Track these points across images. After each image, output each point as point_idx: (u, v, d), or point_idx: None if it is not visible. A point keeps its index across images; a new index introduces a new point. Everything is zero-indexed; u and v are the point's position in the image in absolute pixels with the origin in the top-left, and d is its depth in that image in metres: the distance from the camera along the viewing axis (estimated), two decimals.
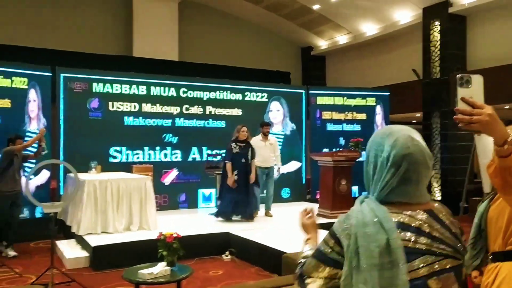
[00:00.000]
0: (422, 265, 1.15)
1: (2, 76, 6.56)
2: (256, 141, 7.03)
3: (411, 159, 1.20)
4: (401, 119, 11.29)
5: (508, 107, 9.71)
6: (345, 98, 9.75)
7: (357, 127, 9.75)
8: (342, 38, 12.96)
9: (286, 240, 5.25)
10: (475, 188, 9.04)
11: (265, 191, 7.39)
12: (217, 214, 6.79)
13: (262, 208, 7.25)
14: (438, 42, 9.89)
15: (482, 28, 9.68)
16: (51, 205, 4.34)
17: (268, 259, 5.02)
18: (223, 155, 7.25)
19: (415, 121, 13.27)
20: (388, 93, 10.00)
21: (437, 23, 9.91)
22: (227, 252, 5.66)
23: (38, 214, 6.79)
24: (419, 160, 1.21)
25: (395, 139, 1.22)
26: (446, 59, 9.77)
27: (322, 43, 13.69)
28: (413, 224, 1.18)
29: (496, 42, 9.38)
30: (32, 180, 6.65)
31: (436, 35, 9.94)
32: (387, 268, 1.13)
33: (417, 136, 1.25)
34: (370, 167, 1.27)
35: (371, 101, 9.90)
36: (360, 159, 8.36)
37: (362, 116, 9.84)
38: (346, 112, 9.72)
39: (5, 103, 6.56)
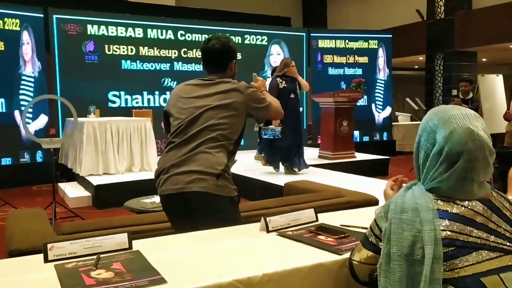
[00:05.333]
0: (475, 261, 1.02)
1: None
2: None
3: (469, 157, 1.06)
4: (403, 63, 11.07)
5: None
6: (346, 41, 9.50)
7: (359, 71, 9.57)
8: None
9: (287, 177, 5.25)
10: None
11: None
12: (267, 161, 5.80)
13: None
14: None
15: None
16: (49, 141, 4.31)
17: (270, 194, 5.03)
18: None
19: (417, 66, 13.05)
20: (391, 36, 9.75)
21: None
22: None
23: (39, 159, 6.79)
24: (478, 157, 1.06)
25: (451, 130, 1.07)
26: None
27: None
28: (466, 215, 1.05)
29: None
30: (30, 126, 6.59)
31: None
32: (417, 261, 1.03)
33: (479, 126, 1.08)
34: (421, 154, 1.14)
35: (373, 44, 9.66)
36: (361, 102, 8.28)
37: (364, 59, 9.63)
38: (348, 56, 9.51)
39: None
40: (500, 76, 9.16)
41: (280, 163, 5.79)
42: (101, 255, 1.36)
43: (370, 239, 1.22)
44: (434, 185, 1.11)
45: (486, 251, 1.03)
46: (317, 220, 1.79)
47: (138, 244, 1.50)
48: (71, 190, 5.54)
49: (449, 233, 1.03)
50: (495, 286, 1.01)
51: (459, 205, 1.07)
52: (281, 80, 5.61)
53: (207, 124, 1.97)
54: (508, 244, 1.05)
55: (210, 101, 2.00)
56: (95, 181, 5.32)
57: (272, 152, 5.70)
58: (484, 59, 11.61)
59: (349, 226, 1.71)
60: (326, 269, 1.36)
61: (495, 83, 8.75)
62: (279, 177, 5.38)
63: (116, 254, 1.40)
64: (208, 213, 1.88)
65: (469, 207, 1.07)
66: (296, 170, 5.73)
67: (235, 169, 6.84)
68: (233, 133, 2.03)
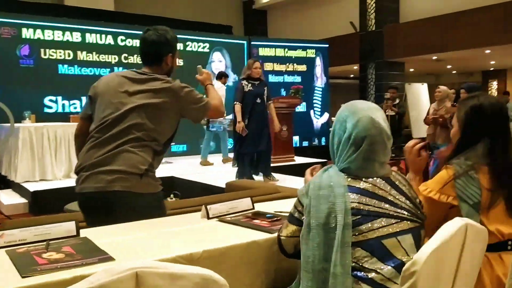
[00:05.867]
0: (376, 227, 1.23)
1: None
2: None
3: (371, 141, 1.29)
4: (339, 72, 11.65)
5: (436, 57, 10.30)
6: (286, 49, 9.87)
7: (298, 79, 9.96)
8: None
9: (228, 178, 5.39)
10: (406, 135, 9.66)
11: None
12: (238, 175, 5.42)
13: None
14: None
15: None
16: None
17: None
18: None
19: (352, 75, 13.75)
20: (327, 45, 10.25)
21: None
22: (171, 195, 5.73)
23: None
24: (378, 141, 1.30)
25: (358, 119, 1.30)
26: (380, 12, 10.12)
27: None
28: (370, 190, 1.27)
29: None
30: None
31: None
32: (332, 229, 1.24)
33: (379, 116, 1.32)
34: (335, 140, 1.37)
35: (311, 53, 10.10)
36: (300, 108, 8.64)
37: (303, 67, 10.04)
38: (287, 64, 9.88)
39: None
40: (425, 85, 9.93)
41: (255, 175, 5.45)
42: (50, 241, 1.44)
43: (294, 215, 1.41)
44: (345, 165, 1.33)
45: (385, 219, 1.26)
46: (253, 208, 1.97)
47: (85, 232, 1.59)
48: (6, 198, 5.35)
49: (356, 204, 1.25)
50: (393, 246, 1.24)
51: (365, 182, 1.30)
52: (246, 83, 5.32)
53: (132, 123, 1.88)
54: (404, 212, 1.29)
55: (138, 98, 1.91)
56: (32, 187, 5.18)
57: (240, 163, 5.38)
58: (411, 69, 12.49)
59: (282, 212, 1.90)
60: (260, 246, 1.54)
61: (421, 91, 9.48)
62: (220, 179, 5.51)
63: (65, 240, 1.49)
64: (132, 212, 1.82)
65: (373, 183, 1.30)
66: (275, 177, 5.58)
67: (175, 172, 6.91)
68: (160, 134, 1.94)
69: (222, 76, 7.65)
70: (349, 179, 1.30)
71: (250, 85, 5.31)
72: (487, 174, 1.56)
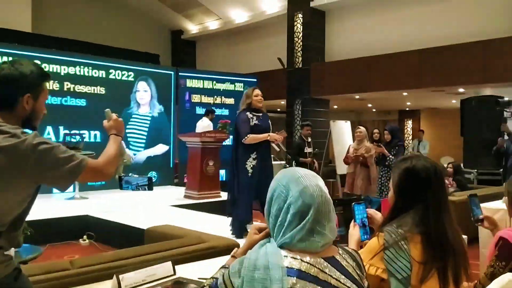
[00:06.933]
0: None
1: None
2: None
3: (318, 210, 1.16)
4: (267, 106, 11.75)
5: (358, 97, 10.78)
6: (214, 82, 9.78)
7: (226, 112, 9.88)
8: (212, 24, 12.99)
9: (149, 218, 5.05)
10: (329, 170, 9.88)
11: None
12: (233, 231, 4.53)
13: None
14: (301, 34, 10.52)
15: (338, 24, 10.55)
16: None
17: (131, 238, 4.77)
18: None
19: (279, 109, 13.98)
20: (256, 80, 10.32)
21: (300, 15, 10.52)
22: (84, 236, 5.24)
23: None
24: (324, 211, 1.17)
25: (304, 186, 1.17)
26: (307, 50, 10.44)
27: (193, 28, 13.56)
28: (311, 272, 1.12)
29: (350, 37, 10.31)
30: None
31: (299, 26, 10.56)
32: None
33: (321, 184, 1.21)
34: (272, 210, 1.21)
35: (239, 87, 10.11)
36: (227, 142, 8.50)
37: (231, 101, 10.00)
38: (215, 96, 9.78)
39: None
40: (348, 123, 10.29)
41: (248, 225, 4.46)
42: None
43: None
44: (286, 240, 1.16)
45: None
46: (174, 273, 1.73)
47: None
48: None
49: None
50: None
51: (306, 263, 1.13)
52: (251, 116, 4.44)
53: None
54: None
55: None
56: None
57: (240, 207, 4.44)
58: (335, 106, 12.96)
59: (207, 279, 1.67)
60: None
61: (344, 129, 9.78)
62: (140, 219, 5.14)
63: None
64: None
65: (315, 265, 1.14)
66: None
67: (91, 209, 6.40)
68: (3, 213, 1.41)
69: (209, 113, 7.51)
70: (289, 258, 1.13)
71: (255, 118, 4.44)
72: (419, 244, 1.47)
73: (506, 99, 7.61)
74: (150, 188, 3.00)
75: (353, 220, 1.69)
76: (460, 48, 8.06)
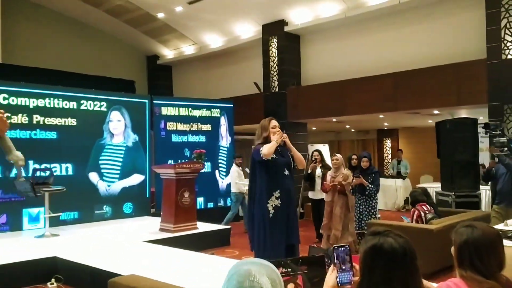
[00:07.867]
0: None
1: None
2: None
3: None
4: (244, 130, 11.64)
5: (335, 120, 10.78)
6: (190, 109, 9.65)
7: (202, 138, 9.74)
8: (188, 49, 12.94)
9: (120, 258, 4.84)
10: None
11: None
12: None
13: None
14: (276, 58, 10.52)
15: (313, 48, 10.60)
16: None
17: (99, 283, 4.54)
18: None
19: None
20: (232, 105, 10.24)
21: (275, 40, 10.54)
22: (52, 280, 4.98)
23: None
24: None
25: (232, 273, 1.15)
26: (283, 74, 10.44)
27: (168, 53, 13.48)
28: None
29: (325, 60, 10.35)
30: None
31: (274, 51, 10.57)
32: None
33: (264, 273, 1.12)
34: None
35: (215, 113, 10.00)
36: (204, 170, 8.35)
37: (207, 127, 9.86)
38: (191, 123, 9.64)
39: None
40: (326, 146, 10.27)
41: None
42: None
43: None
44: None
45: None
46: None
47: None
48: None
49: None
50: None
51: None
52: None
53: None
54: None
55: None
56: None
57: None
58: (314, 128, 12.96)
59: None
60: None
61: (323, 151, 9.73)
62: (111, 260, 4.91)
63: None
64: None
65: None
66: None
67: (61, 250, 6.14)
68: None
69: (235, 158, 7.94)
70: None
71: (274, 153, 3.98)
72: None
73: (481, 119, 7.69)
74: (35, 194, 2.95)
75: (332, 265, 1.56)
76: (433, 71, 8.14)
